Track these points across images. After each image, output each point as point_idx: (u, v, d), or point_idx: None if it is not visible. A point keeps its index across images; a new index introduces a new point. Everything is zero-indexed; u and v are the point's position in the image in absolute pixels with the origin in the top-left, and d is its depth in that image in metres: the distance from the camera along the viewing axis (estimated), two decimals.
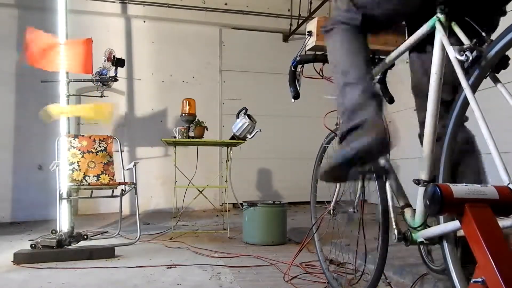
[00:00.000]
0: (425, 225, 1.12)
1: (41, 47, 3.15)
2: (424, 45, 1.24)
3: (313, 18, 1.48)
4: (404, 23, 1.39)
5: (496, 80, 0.96)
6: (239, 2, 5.60)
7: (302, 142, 5.31)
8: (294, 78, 1.52)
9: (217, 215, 4.29)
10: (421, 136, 1.21)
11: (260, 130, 3.53)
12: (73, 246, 2.70)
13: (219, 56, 5.65)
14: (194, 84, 5.48)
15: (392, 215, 1.26)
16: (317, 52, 1.51)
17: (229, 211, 3.84)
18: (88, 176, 3.38)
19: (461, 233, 1.00)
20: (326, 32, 1.33)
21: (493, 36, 0.93)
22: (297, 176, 5.20)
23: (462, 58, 0.97)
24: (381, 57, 1.48)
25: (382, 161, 1.32)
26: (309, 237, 2.08)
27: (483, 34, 1.02)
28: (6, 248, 2.87)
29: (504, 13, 1.16)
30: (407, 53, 1.33)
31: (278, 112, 5.50)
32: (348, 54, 1.24)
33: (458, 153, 1.14)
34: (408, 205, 1.23)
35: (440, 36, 1.07)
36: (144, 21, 5.41)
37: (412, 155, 1.42)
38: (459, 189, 0.79)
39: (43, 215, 4.40)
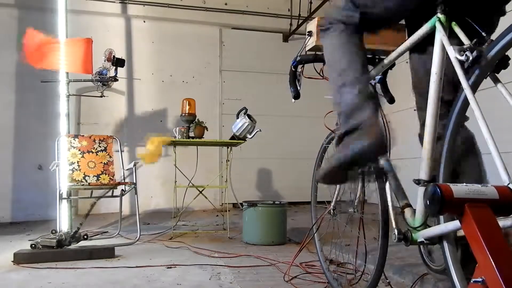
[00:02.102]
0: (425, 225, 1.12)
1: (40, 47, 3.15)
2: (425, 45, 1.24)
3: (313, 18, 1.48)
4: (404, 22, 1.39)
5: (496, 80, 0.96)
6: (239, 2, 5.59)
7: (302, 142, 5.31)
8: (294, 78, 1.52)
9: (217, 215, 4.29)
10: (421, 136, 1.21)
11: (260, 130, 3.53)
12: (73, 246, 2.70)
13: (219, 56, 5.65)
14: (194, 84, 5.48)
15: (392, 215, 1.26)
16: (317, 52, 1.51)
17: (229, 211, 3.84)
18: (88, 176, 3.38)
19: (461, 233, 1.00)
20: (322, 31, 1.33)
21: (493, 36, 0.93)
22: (297, 176, 5.19)
23: (462, 58, 0.97)
24: (381, 57, 1.48)
25: (381, 162, 1.32)
26: (309, 237, 2.08)
27: (483, 34, 1.02)
28: (6, 248, 2.87)
29: (503, 13, 1.17)
30: (407, 53, 1.33)
31: (278, 112, 5.50)
32: (345, 54, 1.23)
33: (459, 153, 1.14)
34: (408, 205, 1.23)
35: (440, 36, 1.07)
36: (144, 21, 5.41)
37: (412, 155, 1.43)
38: (459, 189, 0.79)
39: (43, 215, 4.40)
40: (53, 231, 2.69)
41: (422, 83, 1.28)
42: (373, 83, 1.49)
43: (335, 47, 1.26)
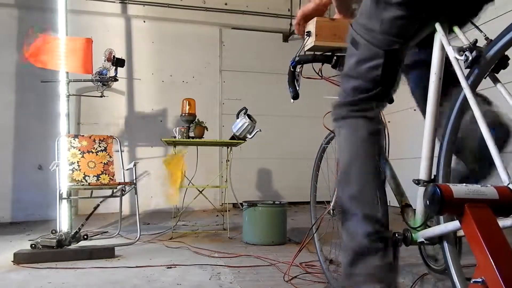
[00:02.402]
0: (425, 225, 1.12)
1: (41, 46, 3.15)
2: (424, 44, 1.24)
3: (313, 18, 1.47)
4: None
5: (495, 80, 0.95)
6: (239, 2, 5.59)
7: (302, 142, 5.31)
8: (293, 78, 1.51)
9: (217, 215, 4.29)
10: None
11: (260, 130, 3.53)
12: (73, 246, 2.70)
13: (219, 56, 5.65)
14: (194, 84, 5.48)
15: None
16: (316, 53, 1.51)
17: (229, 211, 3.84)
18: (88, 176, 3.39)
19: (461, 233, 1.00)
20: (336, 121, 1.20)
21: (493, 36, 0.93)
22: (297, 176, 5.19)
23: (462, 58, 0.97)
24: None
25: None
26: (309, 237, 2.08)
27: (484, 34, 1.01)
28: (6, 248, 2.87)
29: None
30: None
31: (278, 112, 5.49)
32: (361, 172, 1.09)
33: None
34: (408, 205, 1.23)
35: (440, 36, 1.07)
36: (144, 21, 5.41)
37: (412, 155, 1.42)
38: (459, 189, 0.79)
39: (43, 215, 4.40)
40: (53, 231, 2.70)
41: (413, 83, 1.28)
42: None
43: (350, 156, 1.13)
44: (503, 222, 0.82)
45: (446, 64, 1.06)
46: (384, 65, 1.09)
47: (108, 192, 3.34)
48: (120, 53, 4.06)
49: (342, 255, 1.10)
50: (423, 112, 1.18)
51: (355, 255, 1.04)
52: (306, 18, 1.46)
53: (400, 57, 1.13)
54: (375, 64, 1.10)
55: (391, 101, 1.41)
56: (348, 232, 1.08)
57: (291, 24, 5.73)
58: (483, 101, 1.14)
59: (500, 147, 0.95)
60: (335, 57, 1.46)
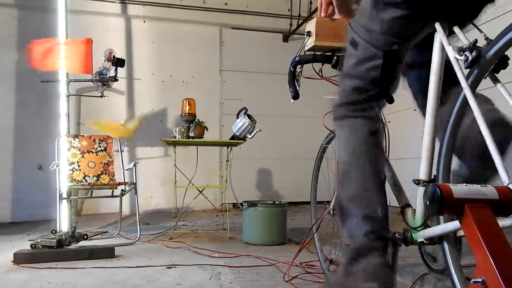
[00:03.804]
0: (425, 225, 1.12)
1: (42, 50, 3.16)
2: (424, 44, 1.24)
3: (313, 18, 1.47)
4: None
5: (495, 80, 0.95)
6: (239, 2, 5.59)
7: (302, 142, 5.31)
8: (293, 78, 1.51)
9: (217, 215, 4.29)
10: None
11: (260, 130, 3.53)
12: (73, 246, 2.70)
13: (219, 56, 5.65)
14: (194, 84, 5.48)
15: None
16: (316, 53, 1.51)
17: (229, 211, 3.84)
18: (88, 176, 3.39)
19: (461, 233, 1.00)
20: (336, 119, 1.20)
21: (492, 36, 0.93)
22: (297, 176, 5.19)
23: (462, 58, 0.97)
24: None
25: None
26: (309, 237, 2.08)
27: (483, 34, 1.01)
28: (6, 248, 2.87)
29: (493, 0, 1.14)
30: None
31: (278, 112, 5.50)
32: (361, 172, 1.09)
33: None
34: (408, 205, 1.23)
35: (439, 36, 1.07)
36: (144, 21, 5.41)
37: (412, 155, 1.42)
38: (459, 189, 0.79)
39: (43, 215, 4.40)
40: (53, 231, 2.69)
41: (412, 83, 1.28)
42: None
43: (347, 147, 1.13)
44: (503, 222, 0.82)
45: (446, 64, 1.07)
46: (383, 66, 1.10)
47: (108, 192, 3.34)
48: (120, 53, 4.06)
49: (341, 253, 1.11)
50: (423, 113, 1.19)
51: (354, 254, 1.05)
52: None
53: (399, 57, 1.13)
54: (374, 65, 1.10)
55: (391, 101, 1.41)
56: (348, 231, 1.09)
57: (291, 24, 5.73)
58: (485, 101, 1.14)
59: (503, 149, 0.95)
60: (335, 57, 1.46)
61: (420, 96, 1.30)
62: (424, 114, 1.18)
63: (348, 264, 1.06)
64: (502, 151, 0.86)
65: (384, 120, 1.29)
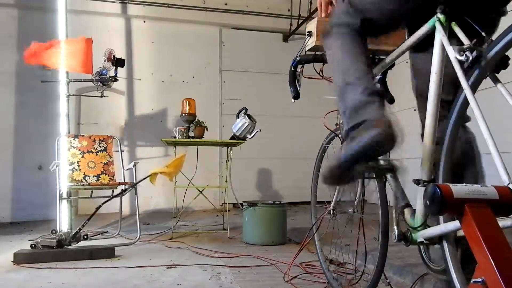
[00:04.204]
0: (425, 225, 1.12)
1: (42, 49, 3.16)
2: (425, 45, 1.24)
3: (313, 18, 1.47)
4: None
5: (496, 80, 0.96)
6: (239, 2, 5.59)
7: (302, 142, 5.31)
8: (294, 78, 1.52)
9: (217, 215, 4.29)
10: (423, 135, 1.21)
11: (260, 130, 3.53)
12: (73, 246, 2.70)
13: (219, 56, 5.65)
14: (194, 84, 5.48)
15: (394, 214, 1.26)
16: (317, 52, 1.51)
17: (229, 211, 3.84)
18: (88, 176, 3.39)
19: (461, 233, 1.00)
20: (324, 35, 1.32)
21: (493, 36, 0.93)
22: (297, 176, 5.20)
23: (462, 58, 0.97)
24: (381, 57, 1.47)
25: (386, 159, 1.29)
26: (309, 237, 2.08)
27: (483, 34, 1.01)
28: (6, 248, 2.87)
29: (504, 13, 1.16)
30: (407, 53, 1.32)
31: (278, 112, 5.50)
32: (348, 56, 1.22)
33: (459, 154, 1.13)
34: (408, 205, 1.23)
35: (440, 36, 1.07)
36: (144, 21, 5.41)
37: (412, 155, 1.42)
38: (459, 189, 0.79)
39: (43, 215, 4.40)
40: (53, 231, 2.70)
41: (422, 83, 1.28)
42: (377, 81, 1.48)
43: (338, 47, 1.25)
44: (503, 222, 0.82)
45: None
46: None
47: (108, 192, 3.34)
48: (120, 53, 4.06)
49: (342, 118, 1.20)
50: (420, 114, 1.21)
51: (354, 111, 1.12)
52: None
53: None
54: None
55: (391, 101, 1.41)
56: (345, 101, 1.16)
57: (291, 24, 5.74)
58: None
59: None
60: None
61: (421, 98, 1.30)
62: (419, 96, 1.23)
63: (350, 118, 1.13)
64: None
65: (388, 116, 1.31)
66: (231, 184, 4.83)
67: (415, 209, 1.18)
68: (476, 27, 1.05)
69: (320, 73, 1.57)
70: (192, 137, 3.60)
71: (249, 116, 3.48)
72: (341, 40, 1.24)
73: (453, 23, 1.07)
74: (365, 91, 1.12)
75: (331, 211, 1.86)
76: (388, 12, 1.20)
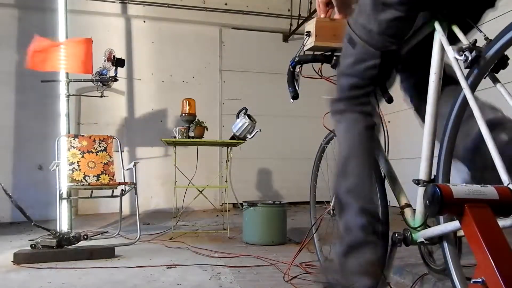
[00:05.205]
0: (425, 225, 1.12)
1: (42, 51, 3.16)
2: (424, 45, 1.24)
3: (313, 18, 1.47)
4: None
5: (495, 80, 0.95)
6: (239, 2, 5.59)
7: (302, 142, 5.31)
8: (293, 78, 1.51)
9: (217, 215, 4.29)
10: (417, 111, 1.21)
11: (260, 130, 3.53)
12: (73, 246, 2.70)
13: (219, 56, 5.65)
14: (194, 84, 5.48)
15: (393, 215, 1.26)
16: (316, 52, 1.50)
17: (229, 211, 3.84)
18: (88, 176, 3.38)
19: (461, 233, 0.99)
20: (334, 114, 1.22)
21: (492, 36, 0.93)
22: (297, 176, 5.19)
23: (461, 58, 0.97)
24: None
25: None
26: (309, 237, 2.07)
27: (483, 34, 1.01)
28: (6, 248, 2.87)
29: (494, 6, 1.15)
30: None
31: (278, 112, 5.50)
32: (358, 165, 1.13)
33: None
34: (408, 205, 1.23)
35: (439, 37, 1.07)
36: (144, 21, 5.41)
37: (412, 155, 1.42)
38: (459, 189, 0.79)
39: (43, 215, 4.39)
40: (53, 231, 2.69)
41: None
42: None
43: (345, 138, 1.17)
44: (503, 222, 0.82)
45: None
46: (381, 65, 1.12)
47: (108, 192, 3.34)
48: (120, 53, 4.06)
49: (337, 245, 1.14)
50: (421, 116, 1.20)
51: (349, 247, 1.08)
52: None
53: (397, 57, 1.14)
54: (372, 64, 1.12)
55: (390, 100, 1.41)
56: (344, 224, 1.11)
57: (291, 24, 5.73)
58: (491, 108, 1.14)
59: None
60: (334, 57, 1.45)
61: (415, 96, 1.31)
62: (418, 114, 1.21)
63: (343, 256, 1.09)
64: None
65: (382, 118, 1.30)
66: (231, 184, 4.83)
67: (415, 209, 1.18)
68: (477, 28, 1.05)
69: (319, 73, 1.57)
70: (192, 137, 3.60)
71: (249, 116, 3.48)
72: (349, 131, 1.17)
73: (453, 25, 1.07)
74: (364, 228, 1.08)
75: (331, 211, 1.85)
76: (394, 30, 1.10)
